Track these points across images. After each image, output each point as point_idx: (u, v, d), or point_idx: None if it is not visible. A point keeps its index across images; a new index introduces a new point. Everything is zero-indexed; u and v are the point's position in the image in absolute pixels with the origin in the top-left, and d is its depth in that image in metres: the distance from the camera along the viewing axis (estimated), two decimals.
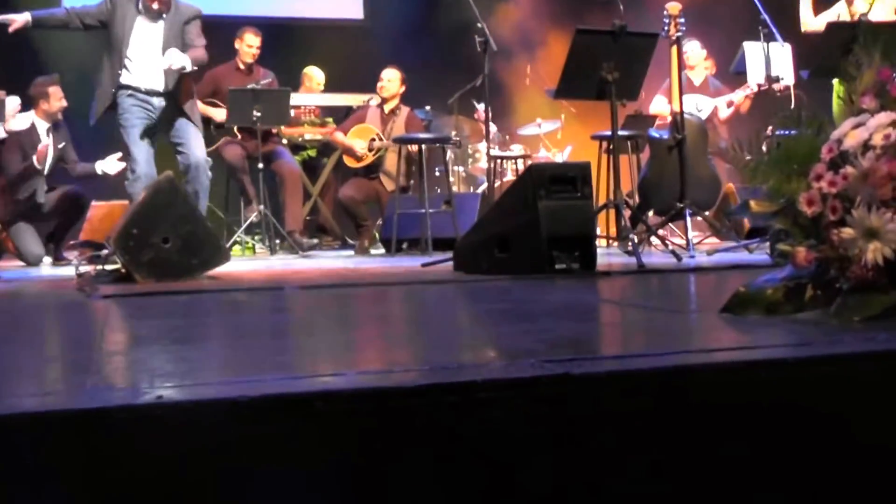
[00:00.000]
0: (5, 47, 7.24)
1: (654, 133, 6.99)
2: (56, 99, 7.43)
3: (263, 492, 1.22)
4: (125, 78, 6.10)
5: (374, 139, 8.08)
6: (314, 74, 9.18)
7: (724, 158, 7.29)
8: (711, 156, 7.18)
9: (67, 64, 8.02)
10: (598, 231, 5.87)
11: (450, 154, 8.60)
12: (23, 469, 1.15)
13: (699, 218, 6.39)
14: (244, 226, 7.87)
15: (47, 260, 7.39)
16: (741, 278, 2.44)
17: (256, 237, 8.36)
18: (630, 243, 4.99)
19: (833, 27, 5.87)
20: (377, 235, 8.32)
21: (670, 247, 5.36)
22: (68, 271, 5.06)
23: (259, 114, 7.44)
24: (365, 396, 1.28)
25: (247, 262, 6.69)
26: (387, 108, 8.18)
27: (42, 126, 7.43)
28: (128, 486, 1.18)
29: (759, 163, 2.16)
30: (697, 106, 8.26)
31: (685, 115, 5.97)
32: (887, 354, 1.48)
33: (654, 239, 6.02)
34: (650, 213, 6.94)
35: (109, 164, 7.44)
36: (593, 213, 4.70)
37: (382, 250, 7.78)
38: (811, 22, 6.88)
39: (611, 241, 6.85)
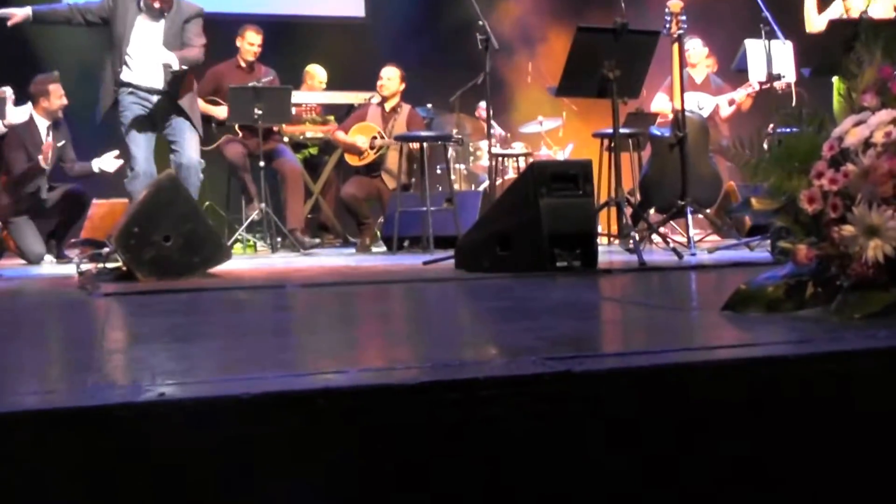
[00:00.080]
0: (5, 44, 7.24)
1: (655, 131, 6.99)
2: (56, 97, 7.43)
3: (265, 489, 1.22)
4: (125, 75, 6.11)
5: (375, 137, 8.08)
6: (316, 72, 9.17)
7: (726, 156, 7.27)
8: (713, 153, 7.17)
9: (69, 61, 8.01)
10: (600, 229, 5.88)
11: (451, 152, 8.60)
12: (24, 467, 1.15)
13: (700, 216, 6.37)
14: (245, 224, 7.88)
15: (48, 258, 7.38)
16: (742, 276, 2.45)
17: (258, 235, 8.36)
18: (631, 241, 4.99)
19: (835, 24, 5.87)
20: (378, 233, 8.32)
21: (671, 244, 5.35)
22: (69, 269, 5.07)
23: (260, 112, 7.44)
24: (367, 394, 1.28)
25: (248, 260, 6.69)
26: (388, 106, 8.18)
27: (43, 124, 7.42)
28: (129, 484, 1.18)
29: (760, 160, 2.16)
30: (699, 104, 8.26)
31: (686, 113, 5.96)
32: (888, 351, 1.48)
33: (655, 237, 6.01)
34: (651, 211, 6.94)
35: (106, 162, 7.43)
36: (595, 211, 4.70)
37: (384, 248, 7.78)
38: (816, 22, 6.88)
39: (612, 239, 6.84)
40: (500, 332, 2.12)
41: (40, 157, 7.23)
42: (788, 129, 2.31)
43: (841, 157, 1.95)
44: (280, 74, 8.24)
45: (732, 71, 8.19)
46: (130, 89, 6.12)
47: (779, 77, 6.89)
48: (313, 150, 8.98)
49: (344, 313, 2.92)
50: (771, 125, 6.89)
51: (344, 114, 8.76)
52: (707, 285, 3.56)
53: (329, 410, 1.24)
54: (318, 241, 7.90)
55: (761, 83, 7.48)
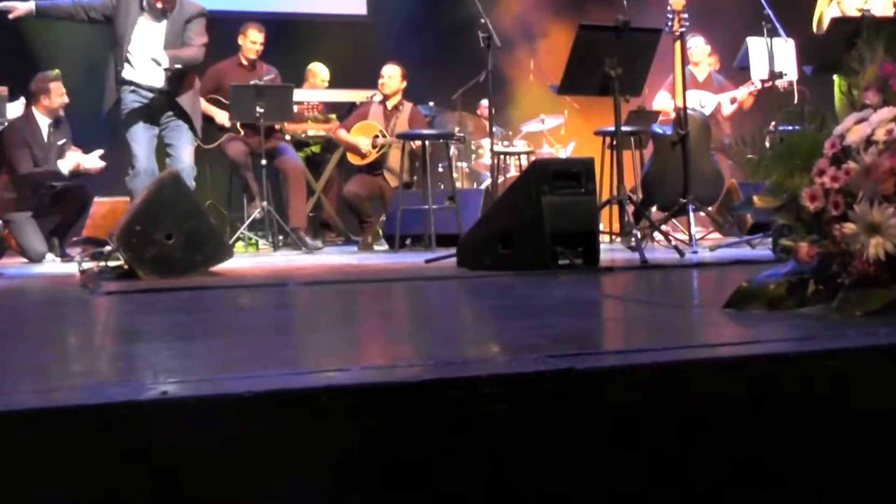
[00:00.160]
0: (9, 41, 7.23)
1: (657, 129, 6.98)
2: (57, 95, 7.41)
3: (268, 487, 1.22)
4: (127, 74, 6.11)
5: (377, 135, 8.08)
6: (319, 71, 9.17)
7: (728, 154, 7.27)
8: (714, 151, 7.17)
9: (73, 59, 8.00)
10: (602, 227, 5.87)
11: (453, 150, 8.60)
12: (26, 465, 1.15)
13: (702, 213, 6.37)
14: (247, 222, 7.87)
15: (50, 257, 7.38)
16: (744, 274, 2.45)
17: (259, 234, 8.36)
18: (633, 239, 4.99)
19: (837, 22, 5.86)
20: (380, 232, 8.32)
21: (673, 242, 5.35)
22: (71, 268, 5.07)
23: (262, 110, 7.43)
24: (369, 392, 1.28)
25: (250, 258, 6.69)
26: (389, 104, 8.18)
27: (44, 122, 7.41)
28: (131, 482, 1.18)
29: (762, 158, 2.16)
30: (700, 102, 8.25)
31: (688, 111, 5.96)
32: (889, 349, 1.48)
33: (657, 234, 6.01)
34: (653, 209, 6.94)
35: (91, 160, 7.37)
36: (597, 209, 4.70)
37: (386, 246, 7.78)
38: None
39: (614, 237, 6.83)
40: (502, 330, 2.12)
41: (60, 164, 7.23)
42: (790, 127, 2.30)
43: (842, 155, 1.95)
44: (282, 72, 8.23)
45: (734, 69, 8.19)
46: (132, 87, 6.13)
47: (781, 75, 6.89)
48: (315, 149, 8.97)
49: (346, 311, 2.93)
50: (773, 123, 6.88)
51: (346, 112, 8.76)
52: (709, 283, 3.56)
53: (332, 408, 1.24)
54: (320, 245, 7.88)
55: (763, 81, 7.47)
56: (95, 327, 2.64)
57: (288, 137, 8.44)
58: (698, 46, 8.60)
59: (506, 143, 9.22)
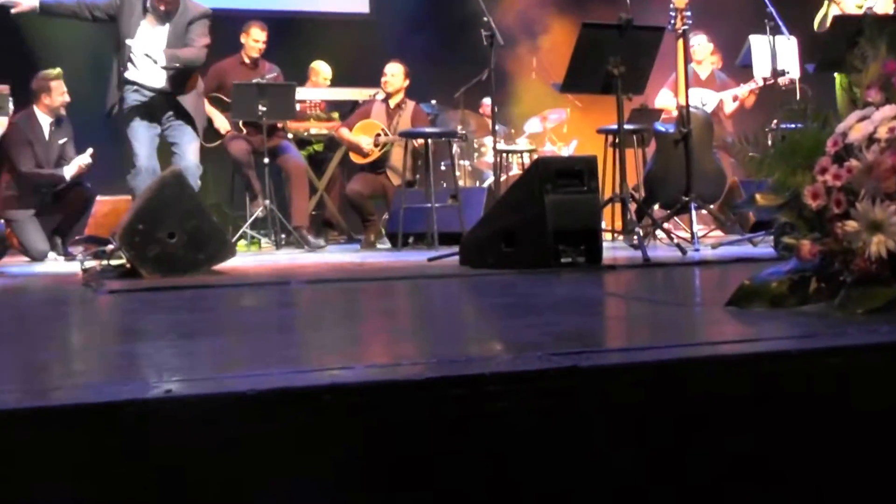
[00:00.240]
0: (7, 39, 7.23)
1: (659, 127, 6.99)
2: (58, 93, 7.40)
3: (271, 485, 1.22)
4: (130, 73, 6.12)
5: (379, 134, 8.07)
6: (321, 69, 9.17)
7: (730, 152, 7.28)
8: (717, 149, 7.17)
9: (72, 58, 7.99)
10: (604, 225, 5.87)
11: (456, 148, 8.60)
12: (29, 464, 1.15)
13: (704, 211, 6.37)
14: (250, 221, 7.87)
15: (52, 255, 7.38)
16: (746, 271, 2.45)
17: (262, 232, 8.36)
18: (636, 237, 4.99)
19: (839, 20, 5.86)
20: (383, 230, 8.32)
21: (675, 240, 5.35)
22: (74, 267, 5.08)
23: (264, 108, 7.43)
24: (373, 390, 1.28)
25: (252, 256, 6.69)
26: (392, 102, 8.18)
27: (45, 121, 7.41)
28: (135, 481, 1.18)
29: (764, 156, 2.16)
30: (702, 100, 8.25)
31: (691, 109, 5.96)
32: (891, 346, 1.49)
33: (659, 232, 6.01)
34: (656, 207, 6.94)
35: (83, 158, 7.35)
36: (599, 207, 4.70)
37: (388, 245, 7.77)
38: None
39: (616, 235, 6.83)
40: (505, 328, 2.12)
41: (65, 170, 7.24)
42: (792, 125, 2.31)
43: (845, 153, 1.95)
44: (284, 71, 8.23)
45: (737, 67, 8.19)
46: (135, 87, 6.13)
47: (783, 73, 6.89)
48: (318, 147, 8.97)
49: (349, 310, 2.93)
50: (775, 121, 6.91)
51: (348, 110, 8.75)
52: (711, 281, 3.56)
53: (334, 406, 1.25)
54: (323, 243, 7.88)
55: (765, 79, 7.47)
56: (98, 326, 2.64)
57: (290, 136, 8.44)
58: (701, 44, 8.59)
59: (507, 141, 9.21)
